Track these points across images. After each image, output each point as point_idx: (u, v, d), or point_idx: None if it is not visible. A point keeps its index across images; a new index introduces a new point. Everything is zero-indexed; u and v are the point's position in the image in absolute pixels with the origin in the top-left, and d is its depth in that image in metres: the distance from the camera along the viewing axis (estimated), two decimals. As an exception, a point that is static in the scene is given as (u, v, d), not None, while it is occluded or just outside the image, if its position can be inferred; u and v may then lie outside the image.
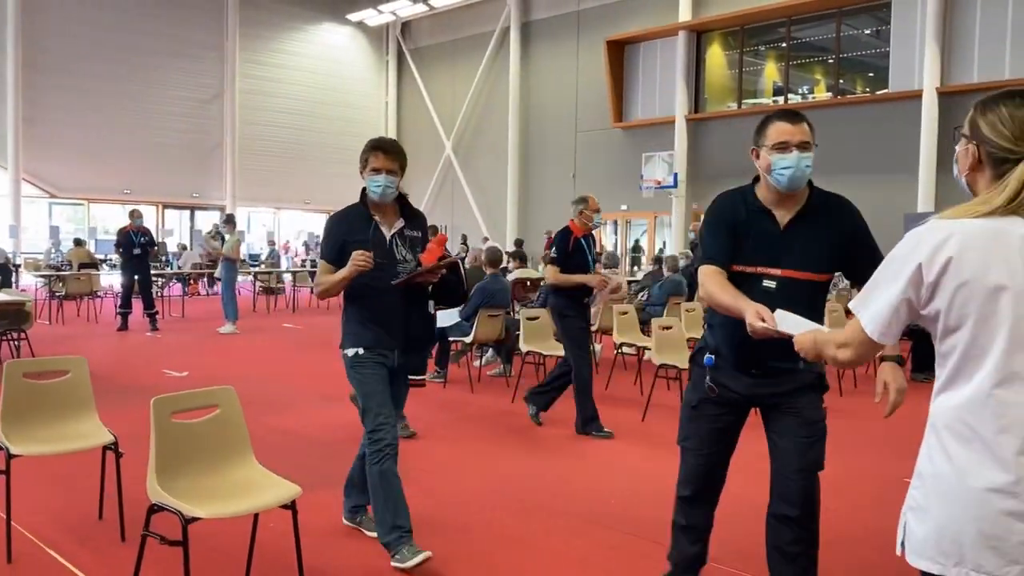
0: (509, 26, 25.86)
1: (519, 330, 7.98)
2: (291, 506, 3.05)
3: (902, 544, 1.76)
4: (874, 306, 1.75)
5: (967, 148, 1.76)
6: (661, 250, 20.78)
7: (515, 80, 25.66)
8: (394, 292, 3.57)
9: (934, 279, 1.65)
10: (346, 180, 20.38)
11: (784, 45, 20.46)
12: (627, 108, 23.10)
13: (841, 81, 19.63)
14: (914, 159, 16.81)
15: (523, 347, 7.39)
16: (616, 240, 24.09)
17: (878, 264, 1.79)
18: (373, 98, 30.64)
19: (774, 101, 20.71)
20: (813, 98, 20.10)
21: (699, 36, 21.57)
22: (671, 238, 21.77)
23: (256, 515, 3.25)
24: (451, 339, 8.17)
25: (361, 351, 3.58)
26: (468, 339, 7.98)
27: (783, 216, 2.81)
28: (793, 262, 2.76)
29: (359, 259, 3.48)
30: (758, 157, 2.82)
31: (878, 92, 18.57)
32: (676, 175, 21.10)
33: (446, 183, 28.63)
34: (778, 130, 2.76)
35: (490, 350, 8.88)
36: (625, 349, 8.13)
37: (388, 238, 3.64)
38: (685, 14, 21.20)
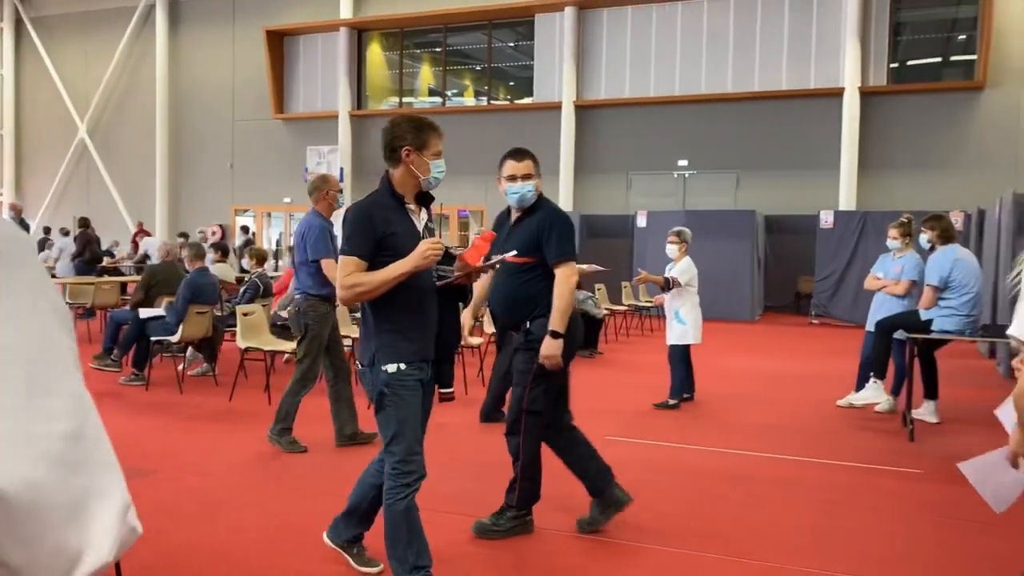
0: (155, 3, 24.04)
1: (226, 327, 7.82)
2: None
3: None
4: None
5: None
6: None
7: (163, 63, 23.94)
8: (432, 295, 3.19)
9: None
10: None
11: (439, 50, 21.76)
12: (288, 100, 22.84)
13: (488, 88, 21.42)
14: (555, 163, 19.01)
15: (241, 344, 7.31)
16: (281, 233, 23.72)
17: (555, 246, 2.63)
18: (-19, 69, 26.53)
19: (431, 103, 21.95)
20: (464, 103, 21.67)
21: (360, 34, 22.05)
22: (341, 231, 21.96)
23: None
24: (154, 338, 7.76)
25: (403, 366, 3.08)
26: (175, 338, 7.66)
27: (514, 218, 4.05)
28: (513, 247, 3.69)
29: (432, 249, 2.98)
30: (500, 183, 3.97)
31: (522, 101, 20.64)
32: (341, 169, 21.42)
33: (80, 169, 25.80)
34: (508, 166, 3.92)
35: (190, 348, 8.56)
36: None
37: (421, 231, 3.20)
38: (346, 11, 21.53)
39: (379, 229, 3.04)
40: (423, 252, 2.98)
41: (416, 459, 3.09)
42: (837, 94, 16.86)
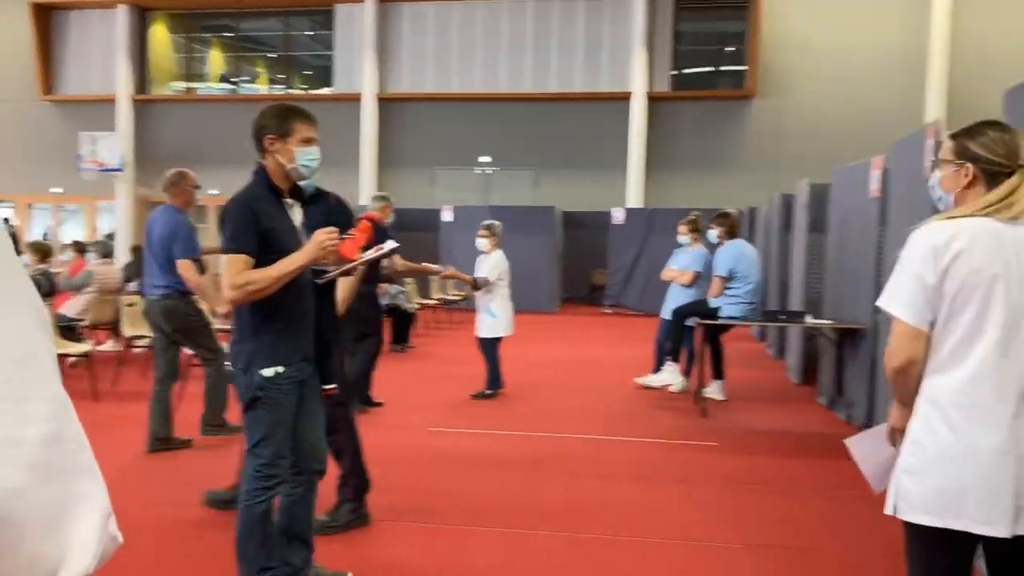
0: None
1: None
2: None
3: (895, 505, 2.07)
4: (901, 293, 2.02)
5: (960, 170, 2.07)
6: (109, 236, 19.41)
7: (-98, 31, 21.08)
8: (310, 291, 3.07)
9: (945, 265, 1.94)
10: None
11: (231, 35, 20.79)
12: (59, 80, 20.89)
13: (284, 76, 20.76)
14: (355, 155, 18.76)
15: None
16: (49, 226, 21.64)
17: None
18: None
19: (221, 89, 20.92)
20: (259, 91, 20.86)
21: (143, 13, 20.58)
22: (123, 224, 20.40)
23: None
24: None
25: (281, 369, 2.93)
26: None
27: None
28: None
29: (329, 240, 2.85)
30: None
31: (320, 91, 20.20)
32: (121, 157, 19.90)
33: None
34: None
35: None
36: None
37: (297, 225, 3.07)
38: (126, -13, 20.04)
39: (263, 223, 2.88)
40: (321, 243, 2.85)
41: (283, 463, 3.00)
42: (626, 98, 17.95)
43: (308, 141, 2.97)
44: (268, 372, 2.91)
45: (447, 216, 16.16)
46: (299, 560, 3.20)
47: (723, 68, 18.72)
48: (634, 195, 17.88)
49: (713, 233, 7.43)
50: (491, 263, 7.43)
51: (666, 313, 7.78)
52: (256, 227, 2.86)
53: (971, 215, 1.97)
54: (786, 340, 9.46)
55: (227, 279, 2.83)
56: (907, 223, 5.22)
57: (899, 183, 5.62)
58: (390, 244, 3.39)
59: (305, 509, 3.21)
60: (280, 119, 2.96)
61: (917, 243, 1.99)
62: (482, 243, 7.50)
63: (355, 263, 3.18)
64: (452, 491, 4.64)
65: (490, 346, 7.43)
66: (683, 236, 7.95)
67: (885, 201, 5.98)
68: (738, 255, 7.09)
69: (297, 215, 3.09)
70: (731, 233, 7.32)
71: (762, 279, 7.57)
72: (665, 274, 8.06)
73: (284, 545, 3.16)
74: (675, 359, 7.40)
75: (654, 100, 18.03)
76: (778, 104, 17.56)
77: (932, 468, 1.97)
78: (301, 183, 3.02)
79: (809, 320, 6.75)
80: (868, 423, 6.25)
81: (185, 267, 5.23)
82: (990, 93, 15.20)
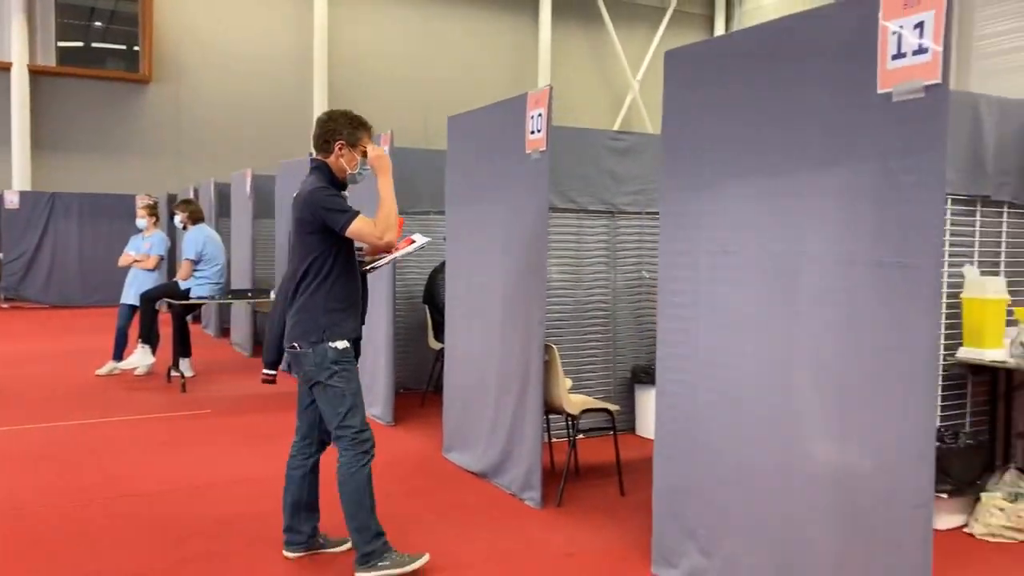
0: None
1: None
2: None
3: None
4: None
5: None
6: None
7: None
8: (359, 277, 3.50)
9: None
10: None
11: None
12: None
13: None
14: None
15: None
16: None
17: None
18: None
19: None
20: None
21: None
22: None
23: None
24: None
25: (348, 343, 3.33)
26: None
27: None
28: None
29: (382, 152, 3.43)
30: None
31: None
32: None
33: None
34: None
35: None
36: None
37: None
38: None
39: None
40: (384, 155, 3.39)
41: (369, 427, 3.34)
42: (5, 69, 16.12)
43: (365, 153, 3.40)
44: (341, 345, 3.29)
45: None
46: (309, 528, 3.54)
47: (117, 47, 18.06)
48: (20, 177, 16.20)
49: (177, 218, 7.82)
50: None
51: (129, 299, 7.90)
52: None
53: None
54: (231, 320, 10.22)
55: (375, 230, 3.24)
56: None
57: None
58: (421, 238, 3.68)
59: (316, 477, 3.54)
60: (353, 128, 3.38)
61: None
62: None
63: (400, 255, 3.67)
64: (-25, 490, 4.42)
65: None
66: (141, 220, 8.11)
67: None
68: (205, 239, 7.64)
69: None
70: (196, 218, 7.82)
71: (227, 261, 8.22)
72: (124, 260, 8.11)
73: (294, 516, 3.50)
74: (147, 342, 7.62)
75: (37, 74, 16.54)
76: (177, 92, 17.72)
77: None
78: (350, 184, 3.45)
79: (275, 295, 7.71)
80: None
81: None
82: (363, 92, 18.01)
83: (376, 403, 6.22)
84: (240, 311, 9.67)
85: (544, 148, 4.22)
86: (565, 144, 5.25)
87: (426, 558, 3.37)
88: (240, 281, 9.50)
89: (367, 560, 3.29)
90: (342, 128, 3.36)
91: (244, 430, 5.87)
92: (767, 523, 2.90)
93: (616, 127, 20.19)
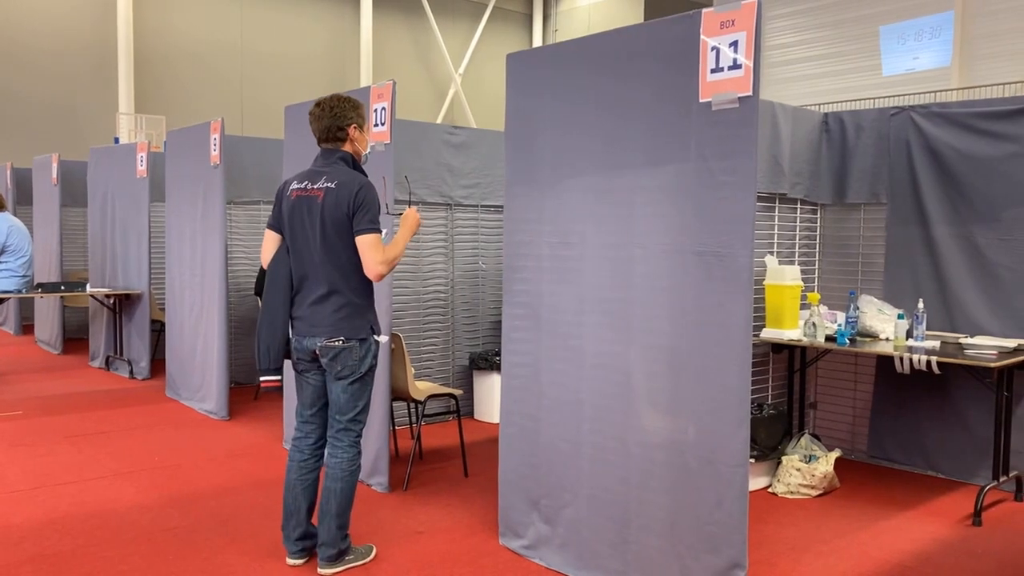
0: None
1: None
2: None
3: None
4: None
5: None
6: None
7: None
8: None
9: None
10: None
11: None
12: None
13: None
14: None
15: None
16: None
17: None
18: None
19: None
20: None
21: None
22: None
23: None
24: None
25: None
26: None
27: None
28: None
29: (418, 217, 3.46)
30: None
31: None
32: None
33: None
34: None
35: None
36: None
37: None
38: None
39: None
40: (418, 220, 3.42)
41: None
42: None
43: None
44: (383, 339, 3.36)
45: None
46: (313, 531, 3.42)
47: None
48: None
49: (-28, 207, 7.18)
50: None
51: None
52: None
53: None
54: (34, 316, 9.48)
55: (379, 255, 3.14)
56: (178, 200, 6.36)
57: (173, 165, 6.64)
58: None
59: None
60: (358, 110, 3.34)
61: None
62: None
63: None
64: None
65: None
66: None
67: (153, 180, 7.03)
68: (10, 228, 7.08)
69: None
70: (-2, 207, 7.22)
71: (34, 252, 7.63)
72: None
73: (308, 521, 3.39)
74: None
75: None
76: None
77: None
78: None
79: (91, 289, 7.27)
80: (152, 377, 7.23)
81: None
82: (171, 82, 17.11)
83: (209, 398, 6.06)
84: (45, 306, 9.00)
85: (388, 141, 4.31)
86: (404, 137, 5.36)
87: (375, 549, 3.50)
88: (46, 274, 8.83)
89: (340, 556, 3.32)
90: (349, 113, 3.30)
91: (70, 428, 5.54)
92: (607, 488, 3.18)
93: (439, 119, 20.37)
